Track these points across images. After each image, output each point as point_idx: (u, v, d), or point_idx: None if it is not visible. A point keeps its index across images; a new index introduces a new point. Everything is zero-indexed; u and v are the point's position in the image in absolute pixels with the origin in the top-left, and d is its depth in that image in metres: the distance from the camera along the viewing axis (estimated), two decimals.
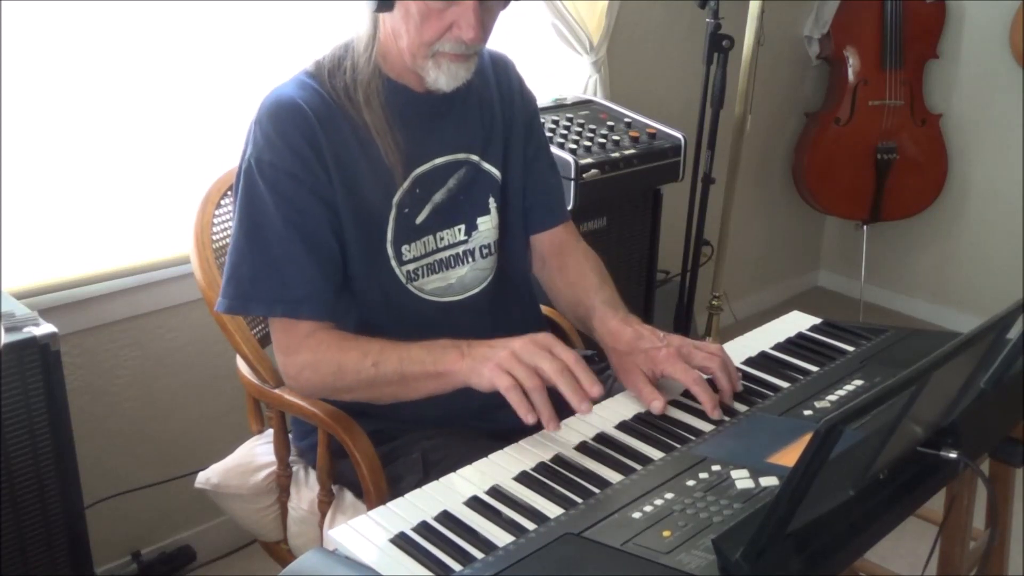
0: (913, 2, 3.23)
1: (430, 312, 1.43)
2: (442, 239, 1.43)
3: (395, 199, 1.38)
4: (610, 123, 2.39)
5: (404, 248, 1.39)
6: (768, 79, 3.24)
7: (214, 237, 1.60)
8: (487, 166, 1.48)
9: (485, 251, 1.48)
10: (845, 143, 3.36)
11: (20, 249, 1.88)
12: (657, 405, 1.25)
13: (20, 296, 1.77)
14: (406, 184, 1.38)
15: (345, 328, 1.38)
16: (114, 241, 2.01)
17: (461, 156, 1.45)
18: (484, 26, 1.30)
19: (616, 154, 2.29)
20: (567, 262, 1.57)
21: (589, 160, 2.22)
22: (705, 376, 1.28)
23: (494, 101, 1.50)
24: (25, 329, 1.51)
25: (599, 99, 2.60)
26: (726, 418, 1.24)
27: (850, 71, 3.32)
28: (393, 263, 1.39)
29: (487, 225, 1.48)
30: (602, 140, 2.32)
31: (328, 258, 1.33)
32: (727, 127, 2.73)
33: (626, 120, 2.45)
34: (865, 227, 3.53)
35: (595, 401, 1.19)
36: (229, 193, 1.63)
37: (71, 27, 1.86)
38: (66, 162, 1.93)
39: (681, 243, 2.75)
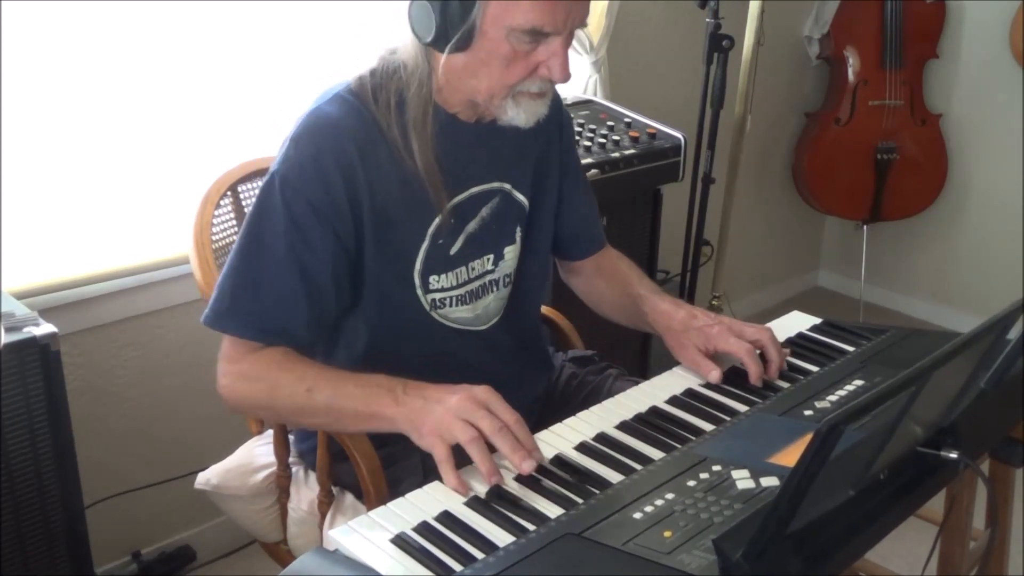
0: (913, 2, 3.23)
1: (451, 339, 1.41)
2: (473, 269, 1.41)
3: (430, 230, 1.34)
4: (610, 123, 2.39)
5: (432, 278, 1.37)
6: (768, 79, 3.23)
7: (213, 237, 1.59)
8: (518, 195, 1.45)
9: (507, 280, 1.47)
10: (845, 143, 3.36)
11: (20, 249, 1.88)
12: (715, 375, 1.35)
13: (20, 296, 1.77)
14: (442, 215, 1.35)
15: (354, 351, 1.37)
16: (114, 241, 2.01)
17: (495, 185, 1.42)
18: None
19: (616, 154, 2.28)
20: (602, 263, 1.62)
21: (589, 160, 2.22)
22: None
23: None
24: (25, 329, 1.51)
25: (599, 99, 2.59)
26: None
27: (850, 71, 3.32)
28: (419, 291, 1.36)
29: (512, 254, 1.46)
30: (602, 140, 2.32)
31: (320, 297, 1.29)
32: (727, 127, 2.73)
33: (626, 120, 2.45)
34: (865, 227, 3.53)
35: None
36: (229, 193, 1.63)
37: (72, 27, 1.86)
38: (66, 162, 1.93)
39: (681, 243, 2.75)
